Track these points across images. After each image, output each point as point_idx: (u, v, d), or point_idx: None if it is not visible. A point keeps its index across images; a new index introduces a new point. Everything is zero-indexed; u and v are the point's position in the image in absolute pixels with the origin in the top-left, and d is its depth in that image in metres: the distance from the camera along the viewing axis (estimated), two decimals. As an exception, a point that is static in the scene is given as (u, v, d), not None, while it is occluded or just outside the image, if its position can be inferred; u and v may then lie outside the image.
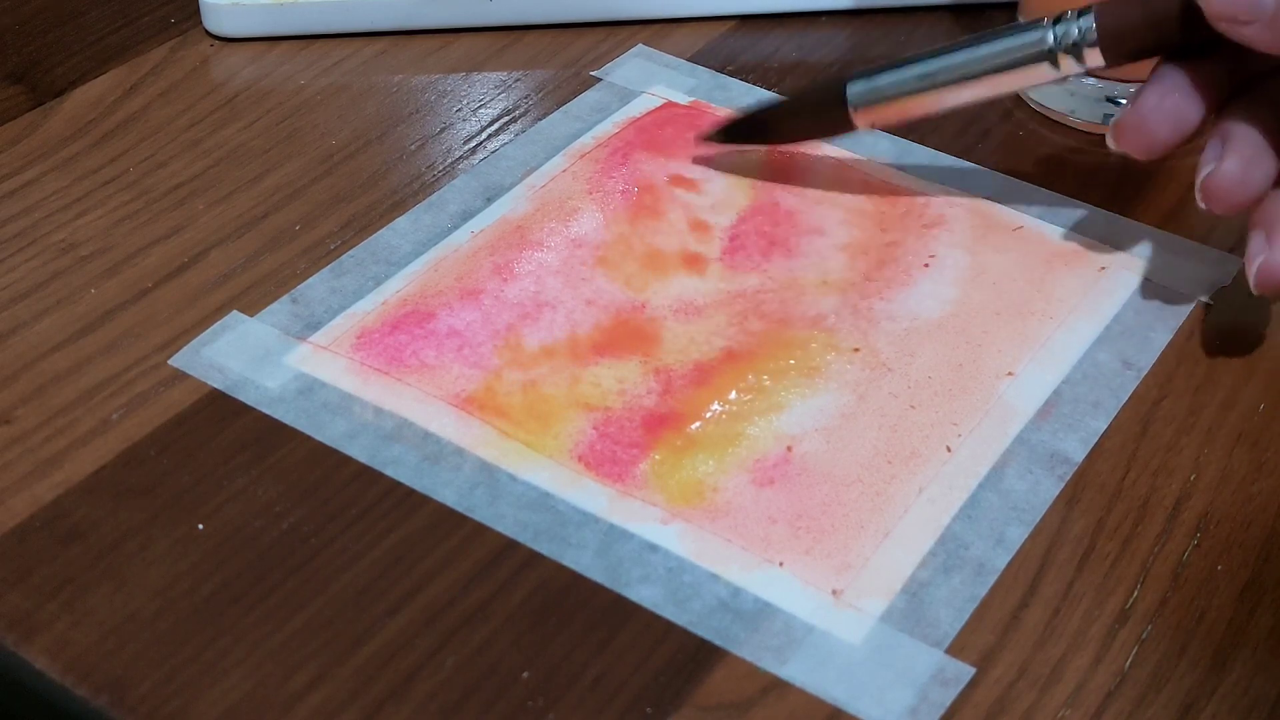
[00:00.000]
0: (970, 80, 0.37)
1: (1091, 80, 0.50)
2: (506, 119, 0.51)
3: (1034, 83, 0.38)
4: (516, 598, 0.36)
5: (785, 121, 0.35)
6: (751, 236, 0.46)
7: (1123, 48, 0.38)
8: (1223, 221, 0.47)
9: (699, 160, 0.48)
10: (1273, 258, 0.35)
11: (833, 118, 0.35)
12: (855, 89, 0.35)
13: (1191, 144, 0.41)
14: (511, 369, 0.42)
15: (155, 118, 0.51)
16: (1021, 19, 0.52)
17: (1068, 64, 0.38)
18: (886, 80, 0.36)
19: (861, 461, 0.39)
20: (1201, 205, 0.37)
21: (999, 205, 0.47)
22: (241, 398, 0.41)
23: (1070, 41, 0.37)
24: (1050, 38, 0.37)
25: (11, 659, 0.35)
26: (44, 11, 0.56)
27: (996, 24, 0.55)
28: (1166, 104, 0.37)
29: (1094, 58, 0.38)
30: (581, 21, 0.55)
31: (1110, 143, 0.38)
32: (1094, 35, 0.37)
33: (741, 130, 0.35)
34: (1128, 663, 0.35)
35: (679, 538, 0.37)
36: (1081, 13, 0.38)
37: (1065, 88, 0.50)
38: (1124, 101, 0.50)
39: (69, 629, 0.35)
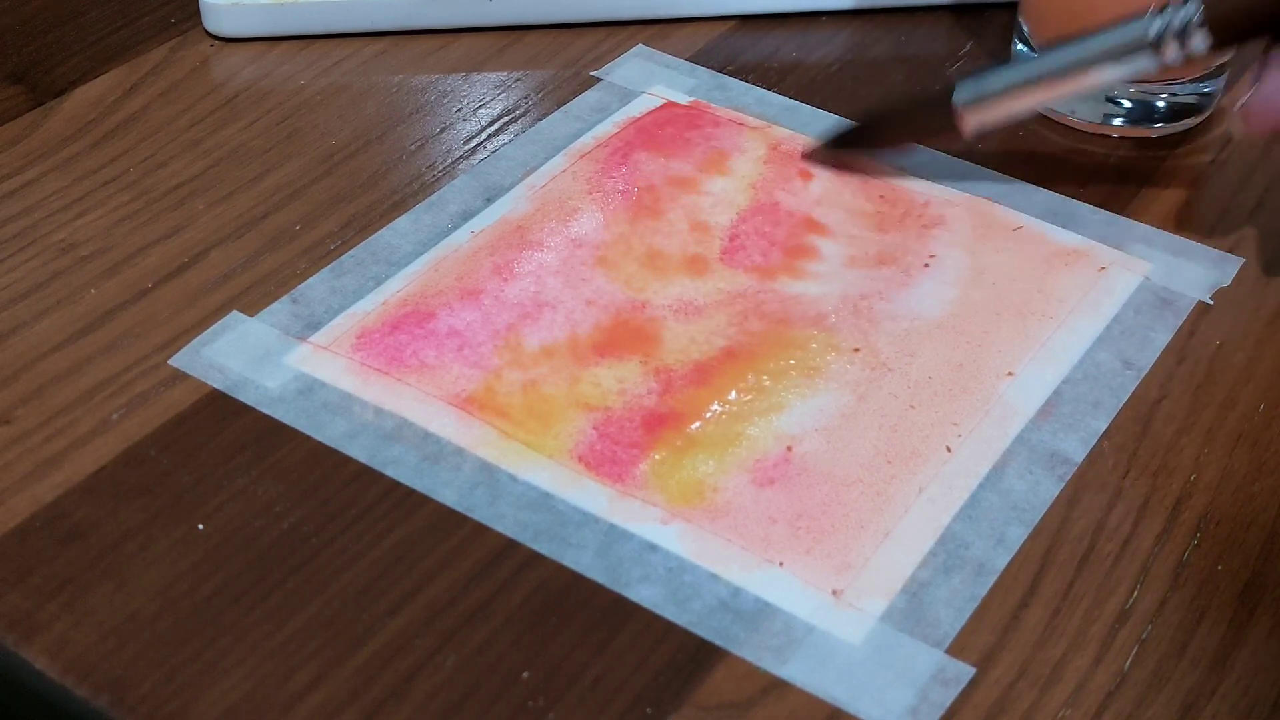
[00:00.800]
0: (1073, 74, 0.37)
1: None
2: (506, 119, 0.51)
3: (1133, 73, 0.38)
4: (516, 598, 0.36)
5: (891, 126, 0.36)
6: (751, 236, 0.46)
7: (1230, 30, 0.39)
8: (1223, 221, 0.47)
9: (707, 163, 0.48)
10: (1257, 96, 0.37)
11: (939, 118, 0.36)
12: (962, 91, 0.36)
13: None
14: (511, 369, 0.42)
15: (155, 118, 0.51)
16: (1020, 19, 0.52)
17: (1171, 50, 0.38)
18: (993, 80, 0.37)
19: (861, 461, 0.39)
20: (1240, 129, 0.38)
21: (999, 205, 0.47)
22: (241, 398, 0.41)
23: (1177, 27, 0.38)
24: (1155, 26, 0.38)
25: (11, 659, 0.35)
26: (44, 11, 0.56)
27: (997, 24, 0.56)
28: None
29: (1200, 41, 0.39)
30: (581, 21, 0.55)
31: (1236, 127, 0.39)
32: (1201, 18, 0.38)
33: (847, 140, 0.35)
34: (1128, 663, 0.35)
35: (679, 538, 0.37)
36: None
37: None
38: (1124, 101, 0.50)
39: (69, 629, 0.35)
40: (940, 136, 0.36)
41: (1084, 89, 0.39)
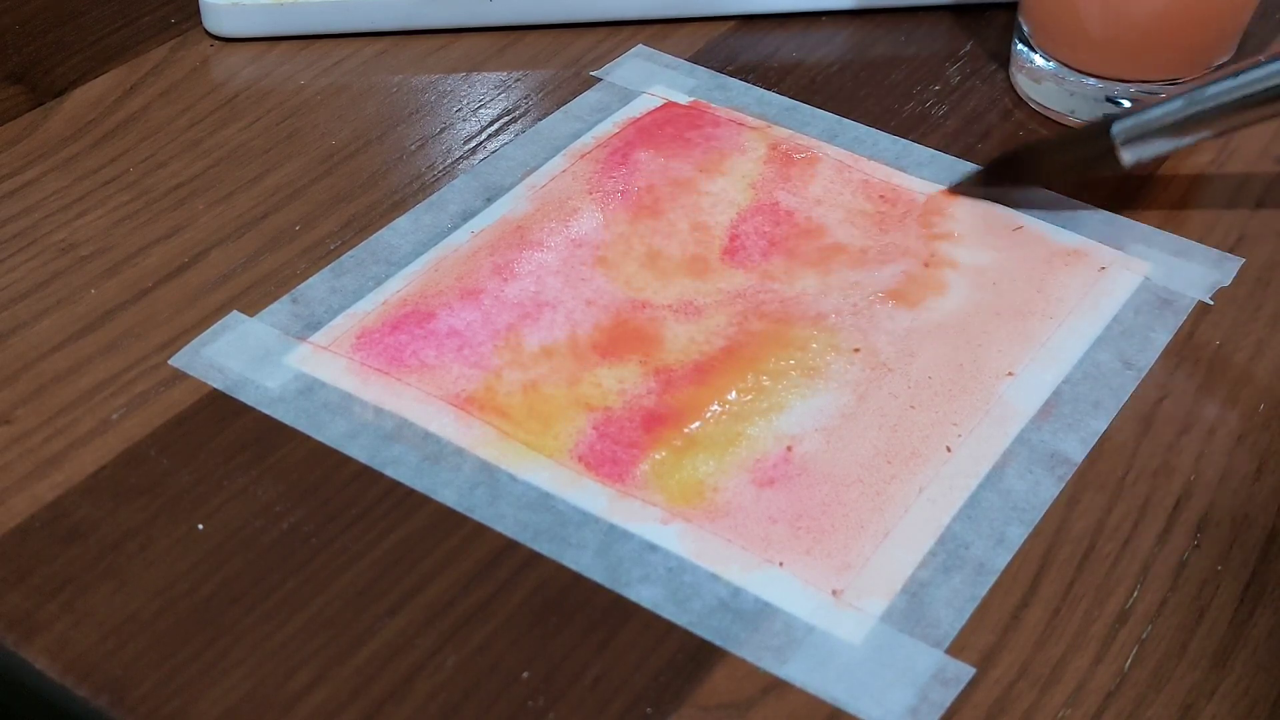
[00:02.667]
0: (1234, 110, 0.35)
1: (1092, 80, 0.50)
2: (506, 119, 0.51)
3: None
4: (516, 598, 0.36)
5: (1048, 159, 0.35)
6: (751, 236, 0.46)
7: None
8: (1222, 221, 0.47)
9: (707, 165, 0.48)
10: None
11: (1099, 151, 0.34)
12: (1122, 124, 0.35)
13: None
14: (511, 369, 0.42)
15: (155, 118, 0.51)
16: (1020, 19, 0.52)
17: None
18: (1154, 113, 0.35)
19: (861, 461, 0.39)
20: None
21: (999, 205, 0.47)
22: (241, 398, 0.41)
23: None
24: None
25: (11, 659, 0.35)
26: (44, 11, 0.56)
27: (997, 24, 0.56)
28: None
29: None
30: (581, 21, 0.55)
31: None
32: None
33: (1001, 172, 0.34)
34: (1128, 663, 0.35)
35: (679, 538, 0.37)
36: None
37: (1065, 87, 0.50)
38: (1124, 102, 0.50)
39: (69, 629, 0.35)
40: (1098, 170, 0.34)
41: (1249, 124, 0.37)
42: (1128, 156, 0.34)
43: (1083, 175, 0.35)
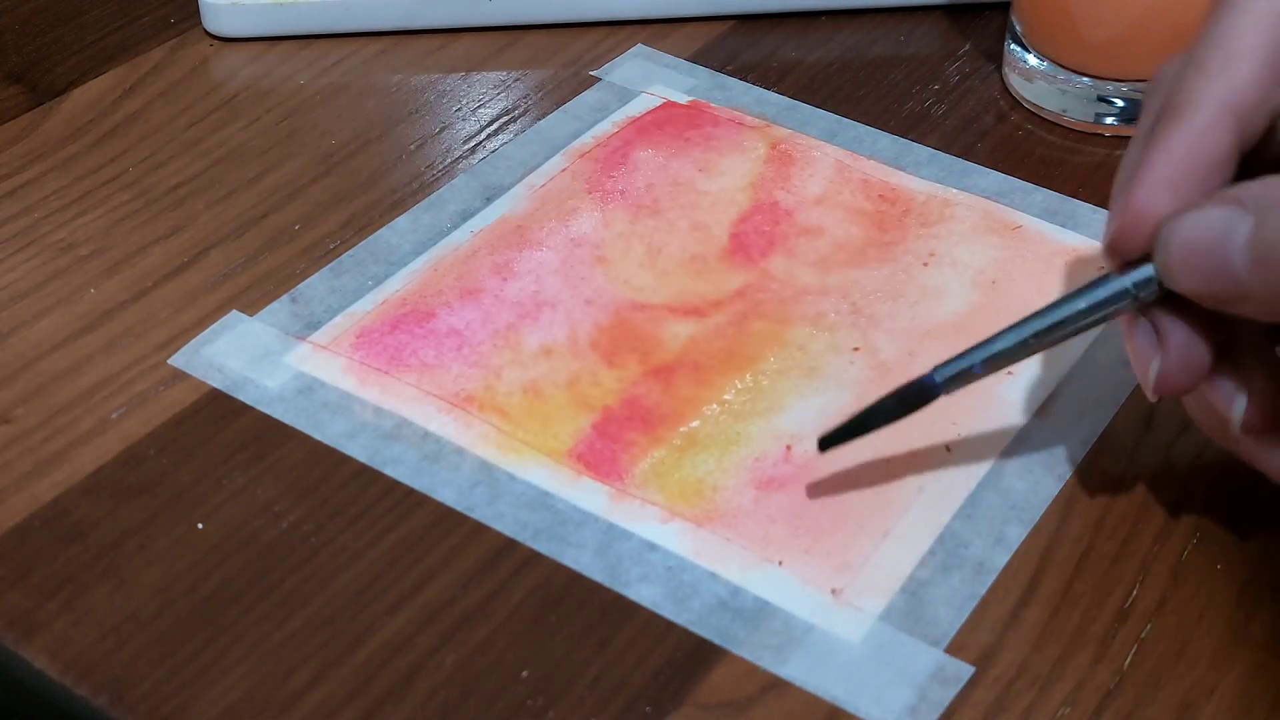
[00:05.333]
0: (1049, 337, 0.36)
1: (1086, 79, 0.50)
2: (506, 119, 0.51)
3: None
4: (516, 597, 0.36)
5: (879, 414, 0.36)
6: (751, 236, 0.46)
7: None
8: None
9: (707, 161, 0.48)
10: (1166, 363, 0.35)
11: (920, 391, 0.35)
12: (942, 371, 0.36)
13: None
14: (511, 368, 0.42)
15: (155, 118, 0.51)
16: (1012, 18, 0.52)
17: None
18: (972, 356, 0.36)
19: (861, 461, 0.39)
20: (1152, 399, 0.36)
21: (999, 205, 0.47)
22: (241, 397, 0.41)
23: (1145, 280, 0.35)
24: (1133, 278, 0.35)
25: (11, 659, 0.35)
26: (44, 11, 0.56)
27: (996, 25, 0.56)
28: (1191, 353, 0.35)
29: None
30: (581, 21, 0.55)
31: (1151, 396, 0.36)
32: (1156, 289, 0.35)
33: (846, 433, 0.36)
34: (1127, 662, 0.35)
35: (678, 537, 0.37)
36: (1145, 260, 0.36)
37: (1057, 86, 0.51)
38: (1116, 101, 0.50)
39: (69, 629, 0.35)
40: (921, 408, 0.36)
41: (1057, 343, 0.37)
42: (946, 393, 0.36)
43: (908, 413, 0.36)
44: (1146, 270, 0.34)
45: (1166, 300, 0.35)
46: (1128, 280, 0.35)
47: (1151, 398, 0.35)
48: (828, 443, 0.37)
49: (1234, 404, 0.35)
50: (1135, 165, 0.35)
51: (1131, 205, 0.34)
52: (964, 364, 0.36)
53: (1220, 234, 0.32)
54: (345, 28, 0.55)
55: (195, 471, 0.39)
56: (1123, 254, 0.35)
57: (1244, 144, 0.35)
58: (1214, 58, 0.35)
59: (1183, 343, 0.35)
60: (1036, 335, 0.36)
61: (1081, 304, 0.35)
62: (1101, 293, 0.35)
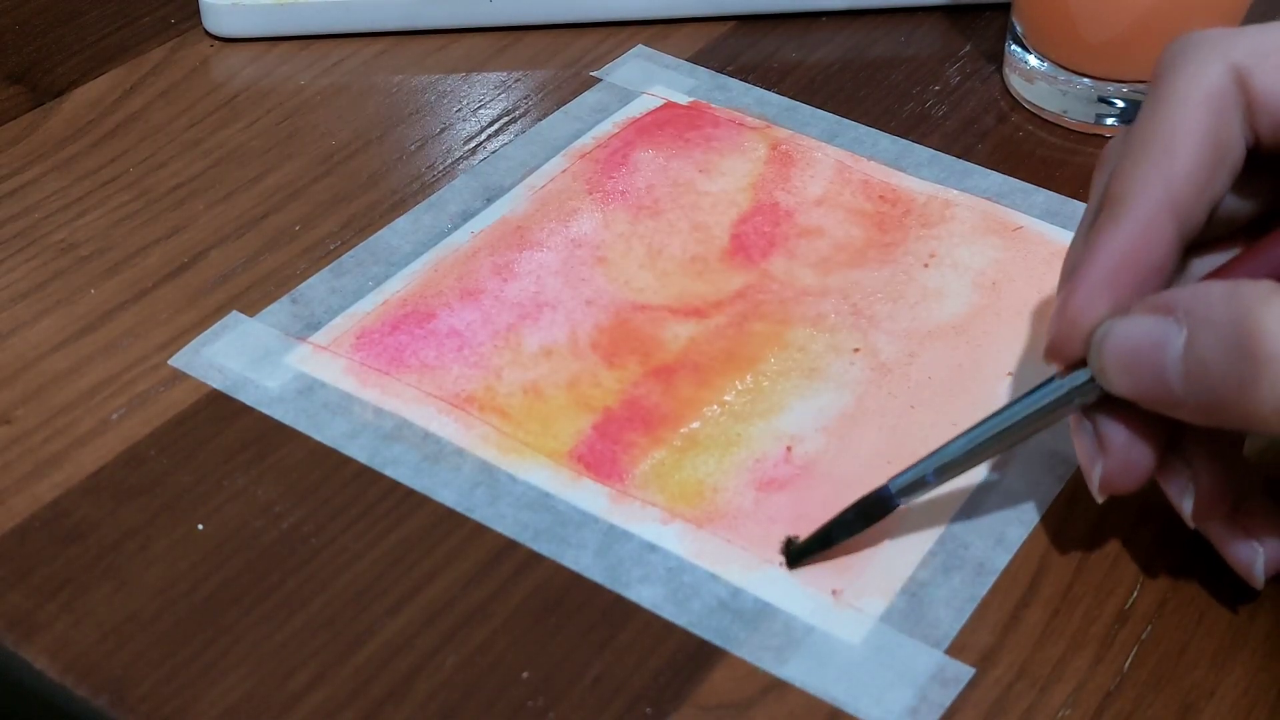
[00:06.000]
0: (1007, 440, 0.36)
1: (1086, 80, 0.50)
2: (506, 119, 0.51)
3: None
4: (516, 598, 0.36)
5: (840, 528, 0.37)
6: (751, 236, 0.46)
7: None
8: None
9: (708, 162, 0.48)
10: (1108, 465, 0.35)
11: (877, 504, 0.36)
12: (897, 481, 0.36)
13: None
14: (511, 369, 0.42)
15: (155, 118, 0.51)
16: (1013, 19, 0.52)
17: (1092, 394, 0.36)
18: (925, 465, 0.36)
19: (861, 461, 0.39)
20: (1099, 500, 0.36)
21: (999, 205, 0.47)
22: (241, 398, 0.41)
23: (1084, 385, 0.35)
24: (1068, 387, 0.35)
25: (11, 659, 0.35)
26: (44, 11, 0.56)
27: (997, 25, 0.55)
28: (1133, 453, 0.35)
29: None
30: (581, 21, 0.55)
31: (1098, 496, 0.36)
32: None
33: (811, 548, 0.37)
34: (1127, 663, 0.35)
35: (679, 538, 0.37)
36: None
37: (1057, 87, 0.51)
38: (1117, 102, 0.50)
39: (69, 629, 0.35)
40: (880, 519, 0.37)
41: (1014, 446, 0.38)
42: (902, 500, 0.36)
43: (868, 525, 0.37)
44: (1086, 374, 0.34)
45: (1107, 402, 0.34)
46: (1068, 384, 0.35)
47: (1099, 499, 0.35)
48: (795, 559, 0.37)
49: (1183, 498, 0.35)
50: (1075, 264, 0.35)
51: (1068, 310, 0.34)
52: (917, 474, 0.36)
53: (1152, 343, 0.32)
54: (345, 28, 0.55)
55: (195, 472, 0.39)
56: (1062, 358, 0.35)
57: (1185, 237, 0.34)
58: (1153, 147, 0.34)
59: (1123, 446, 0.34)
60: (984, 444, 0.36)
61: (1027, 410, 0.36)
62: (1044, 397, 0.35)
